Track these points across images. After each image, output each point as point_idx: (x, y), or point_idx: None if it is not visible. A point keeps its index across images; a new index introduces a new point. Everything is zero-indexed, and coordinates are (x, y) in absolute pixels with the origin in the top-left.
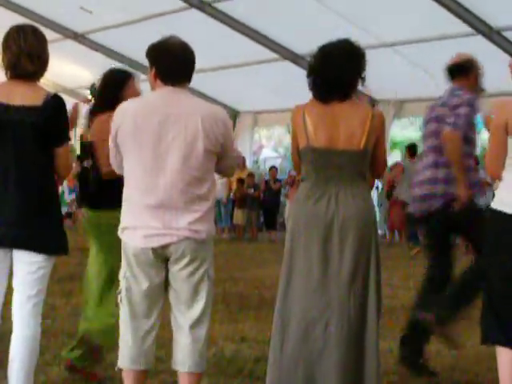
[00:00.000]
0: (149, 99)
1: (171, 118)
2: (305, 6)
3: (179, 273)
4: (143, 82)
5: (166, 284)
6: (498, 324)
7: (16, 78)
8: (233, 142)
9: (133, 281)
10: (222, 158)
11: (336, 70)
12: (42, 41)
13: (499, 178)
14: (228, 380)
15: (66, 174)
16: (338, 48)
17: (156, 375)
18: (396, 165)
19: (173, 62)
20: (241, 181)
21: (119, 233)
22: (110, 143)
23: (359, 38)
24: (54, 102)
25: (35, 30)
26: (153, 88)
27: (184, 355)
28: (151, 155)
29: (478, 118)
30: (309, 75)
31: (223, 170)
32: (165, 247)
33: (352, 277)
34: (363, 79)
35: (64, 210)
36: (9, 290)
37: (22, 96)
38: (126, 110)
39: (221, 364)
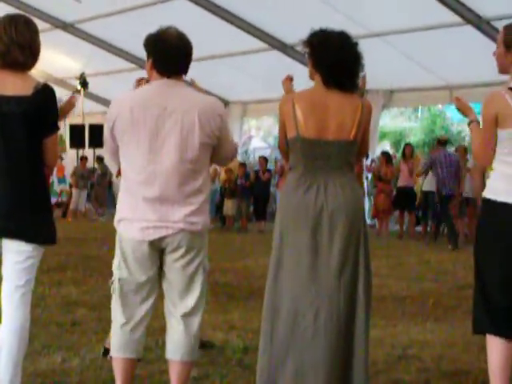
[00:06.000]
0: (145, 91)
1: (167, 111)
2: None
3: (174, 263)
4: None
5: (161, 274)
6: (489, 313)
7: (6, 68)
8: (229, 134)
9: (126, 272)
10: (219, 149)
11: (352, 60)
12: (33, 31)
13: (489, 166)
14: (217, 369)
15: (53, 164)
16: (349, 38)
17: (145, 364)
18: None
19: (170, 55)
20: (229, 171)
21: (115, 224)
22: (106, 134)
23: (347, 28)
24: (44, 92)
25: (27, 21)
26: (150, 78)
27: (176, 344)
28: (148, 148)
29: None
30: (323, 58)
31: (220, 160)
32: (161, 239)
33: (341, 266)
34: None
35: (53, 199)
36: None
37: (12, 86)
38: (122, 101)
39: (210, 353)
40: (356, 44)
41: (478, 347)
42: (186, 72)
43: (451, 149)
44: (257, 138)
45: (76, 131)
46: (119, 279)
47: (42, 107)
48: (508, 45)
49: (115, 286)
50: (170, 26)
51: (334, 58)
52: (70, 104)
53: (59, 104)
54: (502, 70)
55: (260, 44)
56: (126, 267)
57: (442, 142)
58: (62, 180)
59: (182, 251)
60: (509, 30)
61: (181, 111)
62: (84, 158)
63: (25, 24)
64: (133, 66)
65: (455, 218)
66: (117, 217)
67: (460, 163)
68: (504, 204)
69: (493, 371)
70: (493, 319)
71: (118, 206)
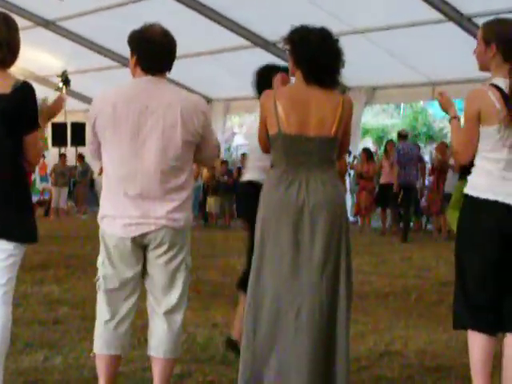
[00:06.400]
0: (128, 88)
1: (150, 108)
2: None
3: (157, 260)
4: None
5: (143, 271)
6: (469, 308)
7: None
8: (212, 132)
9: (110, 268)
10: (202, 148)
11: (333, 56)
12: (12, 28)
13: (467, 164)
14: (200, 366)
15: (35, 162)
16: (329, 35)
17: (128, 362)
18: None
19: (154, 52)
20: (212, 168)
21: (98, 220)
22: (88, 131)
23: (330, 25)
24: (24, 90)
25: (6, 18)
26: (133, 75)
27: (159, 341)
28: (129, 144)
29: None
30: (303, 54)
31: (204, 159)
32: (143, 235)
33: (323, 263)
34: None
35: (35, 198)
36: None
37: None
38: (105, 98)
39: (193, 350)
40: (337, 41)
41: (460, 343)
42: (169, 69)
43: (433, 145)
44: (240, 135)
45: (58, 129)
46: (104, 276)
47: (21, 105)
48: (487, 42)
49: (100, 282)
50: (155, 23)
51: (314, 54)
52: (59, 105)
53: (40, 102)
54: (483, 67)
55: (242, 41)
56: (111, 264)
57: (403, 136)
58: (44, 178)
59: (164, 248)
60: (487, 28)
61: (163, 108)
62: (63, 156)
63: (4, 21)
64: (115, 63)
65: (437, 214)
66: (100, 214)
67: (420, 156)
68: (485, 201)
69: (474, 366)
70: (473, 315)
71: (100, 203)
